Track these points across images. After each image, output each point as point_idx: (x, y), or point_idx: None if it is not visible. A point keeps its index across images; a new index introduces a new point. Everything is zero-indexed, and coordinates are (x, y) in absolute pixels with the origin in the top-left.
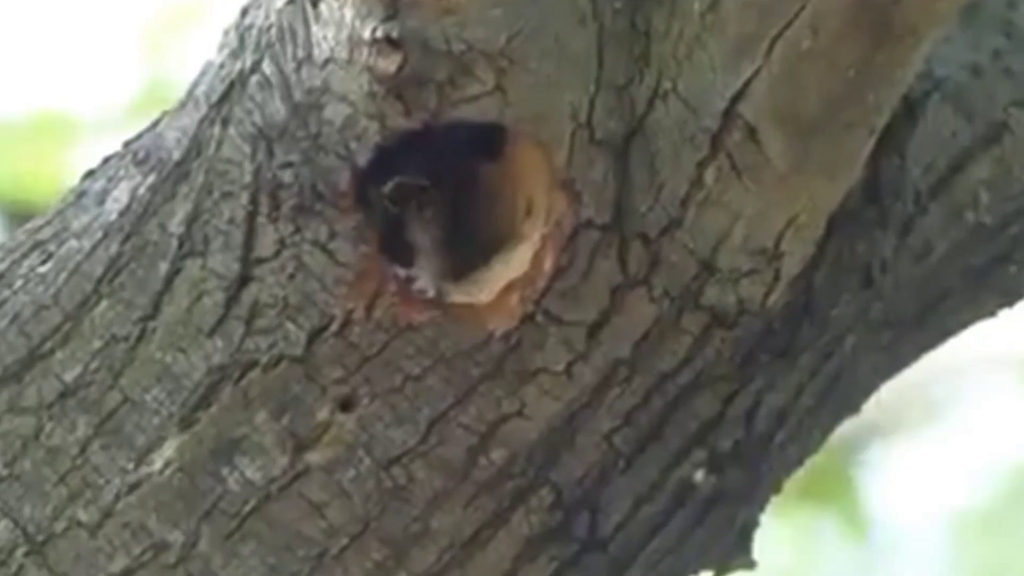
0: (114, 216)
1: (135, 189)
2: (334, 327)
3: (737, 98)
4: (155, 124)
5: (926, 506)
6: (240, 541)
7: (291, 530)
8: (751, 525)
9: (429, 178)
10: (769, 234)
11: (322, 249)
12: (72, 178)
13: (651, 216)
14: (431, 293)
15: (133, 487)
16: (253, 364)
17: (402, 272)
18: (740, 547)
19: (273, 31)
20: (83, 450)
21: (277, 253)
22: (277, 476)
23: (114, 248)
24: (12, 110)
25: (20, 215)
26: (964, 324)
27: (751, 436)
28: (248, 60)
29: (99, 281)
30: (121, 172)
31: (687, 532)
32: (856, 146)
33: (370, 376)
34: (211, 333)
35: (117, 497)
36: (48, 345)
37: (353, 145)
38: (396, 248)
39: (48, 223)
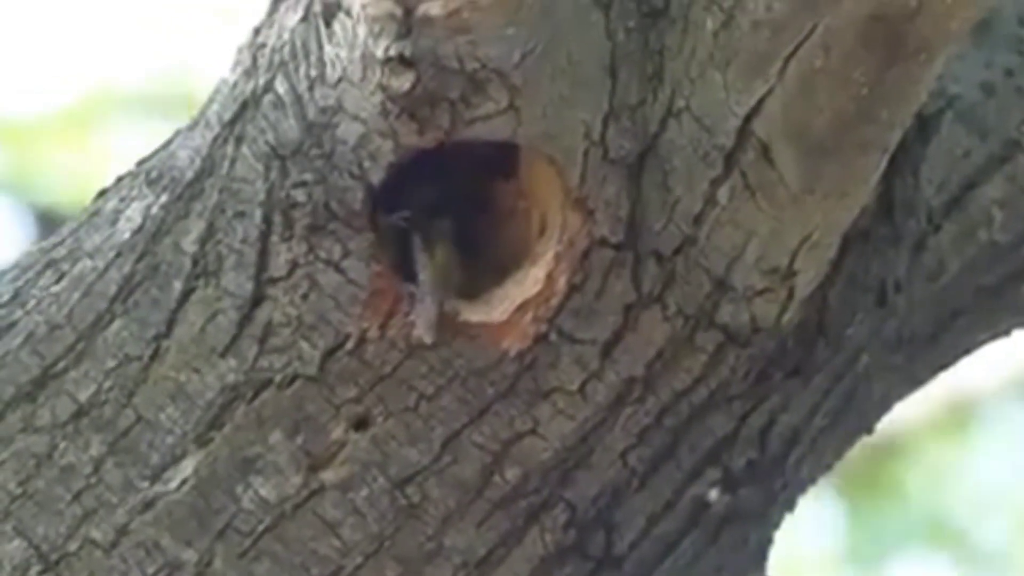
0: (127, 235)
1: (148, 208)
2: (348, 346)
3: (751, 116)
4: (167, 143)
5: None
6: (254, 560)
7: (305, 549)
8: (765, 543)
9: (442, 197)
10: (783, 253)
11: (335, 268)
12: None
13: (665, 234)
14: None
15: (147, 506)
16: (267, 383)
17: (415, 291)
18: (754, 566)
19: (286, 50)
20: (97, 469)
21: (290, 272)
22: (291, 495)
23: (128, 267)
24: (38, 106)
25: (48, 214)
26: (979, 343)
27: (765, 455)
28: (261, 79)
29: (113, 300)
30: (134, 192)
31: (701, 550)
32: (869, 165)
33: (384, 395)
34: (225, 352)
35: (131, 516)
36: (62, 364)
37: (367, 164)
38: (410, 267)
39: (61, 242)
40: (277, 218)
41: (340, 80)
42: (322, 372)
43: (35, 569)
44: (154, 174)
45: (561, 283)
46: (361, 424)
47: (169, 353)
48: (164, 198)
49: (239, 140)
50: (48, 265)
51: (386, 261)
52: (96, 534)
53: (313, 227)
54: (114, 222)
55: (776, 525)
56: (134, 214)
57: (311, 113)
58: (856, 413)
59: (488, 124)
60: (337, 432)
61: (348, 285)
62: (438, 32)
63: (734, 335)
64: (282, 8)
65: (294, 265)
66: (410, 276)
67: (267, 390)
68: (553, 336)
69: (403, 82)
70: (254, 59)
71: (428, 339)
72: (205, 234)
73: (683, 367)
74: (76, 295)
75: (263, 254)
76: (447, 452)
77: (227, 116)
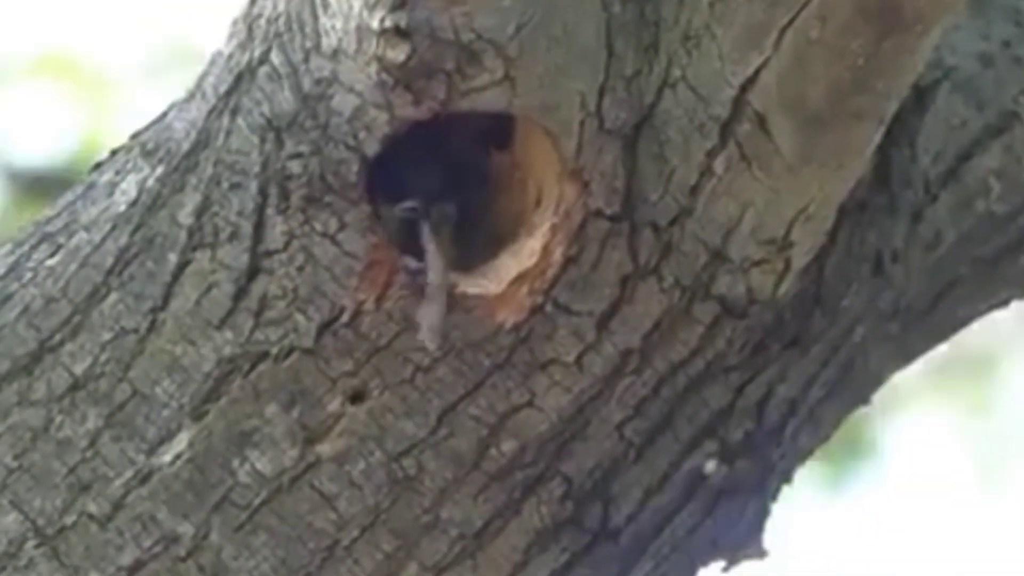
0: (123, 208)
1: (144, 181)
2: (344, 318)
3: (746, 87)
4: (163, 115)
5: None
6: (251, 533)
7: (302, 522)
8: (762, 515)
9: (438, 169)
10: (779, 224)
11: (331, 240)
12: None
13: (661, 205)
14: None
15: (143, 479)
16: (263, 356)
17: (412, 263)
18: (751, 537)
19: (281, 21)
20: (93, 442)
21: (286, 244)
22: (287, 468)
23: (123, 240)
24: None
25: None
26: (976, 314)
27: (762, 426)
28: (256, 50)
29: (108, 273)
30: (129, 164)
31: (698, 522)
32: (865, 135)
33: (380, 367)
34: (221, 325)
35: (127, 489)
36: (58, 337)
37: (362, 135)
38: (406, 239)
39: (57, 215)
40: (273, 190)
41: (335, 51)
42: (318, 345)
43: (31, 543)
44: (150, 146)
45: (557, 255)
46: (357, 397)
47: (165, 326)
48: (160, 170)
49: (234, 112)
50: (44, 238)
51: (382, 233)
52: (92, 507)
53: (309, 199)
54: (110, 195)
55: (774, 497)
56: (130, 187)
57: (306, 85)
58: (853, 383)
59: (483, 95)
60: (333, 405)
61: (344, 257)
62: (433, 3)
63: (730, 306)
64: None
65: (290, 237)
66: (406, 249)
67: (263, 363)
68: (549, 308)
69: (398, 53)
70: (249, 30)
71: (432, 345)
72: (201, 206)
73: (679, 339)
74: (72, 268)
75: (259, 226)
76: (443, 425)
77: (222, 88)
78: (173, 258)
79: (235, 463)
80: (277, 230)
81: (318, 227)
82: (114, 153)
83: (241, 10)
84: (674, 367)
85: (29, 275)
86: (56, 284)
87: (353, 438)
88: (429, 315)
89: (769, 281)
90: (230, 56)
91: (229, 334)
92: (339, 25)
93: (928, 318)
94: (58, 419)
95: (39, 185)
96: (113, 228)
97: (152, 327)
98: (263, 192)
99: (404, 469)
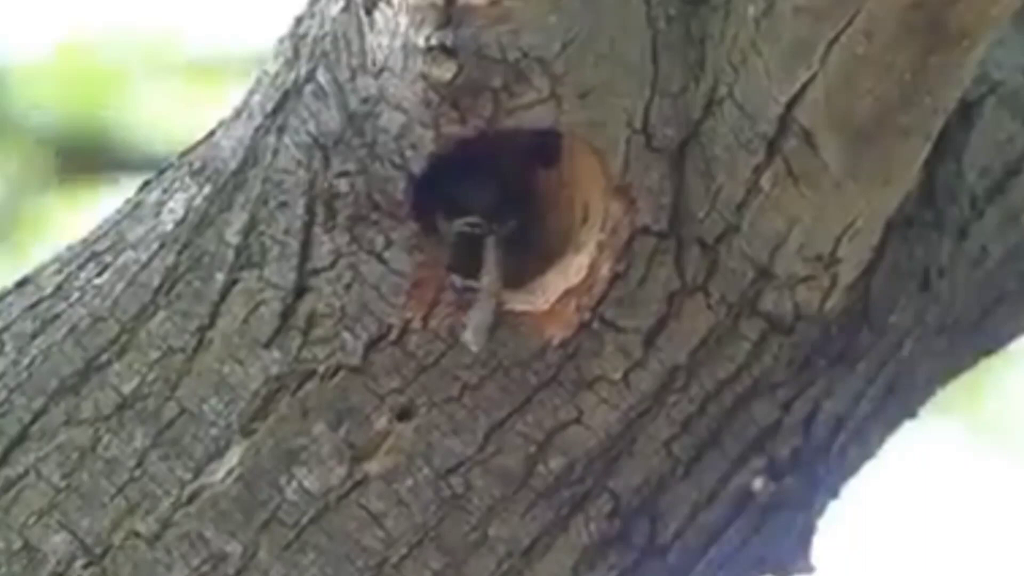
0: (170, 227)
1: (191, 200)
2: (391, 336)
3: (793, 103)
4: (210, 134)
5: None
6: (299, 551)
7: (350, 540)
8: (810, 531)
9: (493, 185)
10: (826, 240)
11: (378, 258)
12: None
13: (708, 222)
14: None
15: (192, 498)
16: (311, 374)
17: (459, 281)
18: (799, 554)
19: (327, 40)
20: (141, 461)
21: (334, 263)
22: (335, 486)
23: (171, 259)
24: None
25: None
26: (1022, 329)
27: (810, 443)
28: (303, 69)
29: (156, 292)
30: (177, 183)
31: (746, 539)
32: (912, 151)
33: (428, 385)
34: (268, 343)
35: (175, 508)
36: (105, 357)
37: (409, 154)
38: (459, 256)
39: (104, 234)
40: (320, 208)
41: (382, 70)
42: (366, 363)
43: (80, 562)
44: (197, 165)
45: (604, 271)
46: (405, 414)
47: (213, 344)
48: (207, 189)
49: (281, 130)
50: (91, 257)
51: (429, 250)
52: (140, 527)
53: (356, 217)
54: (157, 213)
55: (820, 513)
56: (177, 205)
57: (353, 103)
58: (900, 399)
59: (530, 112)
60: (381, 423)
61: (391, 275)
62: (479, 21)
63: (777, 323)
64: None
65: (337, 255)
66: (453, 267)
67: (311, 381)
68: (596, 325)
69: (445, 71)
70: (296, 49)
71: (475, 346)
72: (248, 225)
73: (726, 355)
74: (119, 287)
75: (306, 245)
76: (491, 442)
77: (269, 106)
78: (220, 277)
79: (283, 481)
80: (324, 248)
81: (365, 245)
82: (161, 172)
83: (287, 29)
84: (721, 384)
85: (76, 294)
86: (103, 303)
87: (400, 456)
88: (476, 316)
89: (816, 297)
90: (276, 75)
91: (277, 353)
92: (385, 43)
93: (975, 333)
94: (106, 438)
95: None
96: (161, 247)
97: (200, 346)
98: (310, 210)
99: (452, 487)
